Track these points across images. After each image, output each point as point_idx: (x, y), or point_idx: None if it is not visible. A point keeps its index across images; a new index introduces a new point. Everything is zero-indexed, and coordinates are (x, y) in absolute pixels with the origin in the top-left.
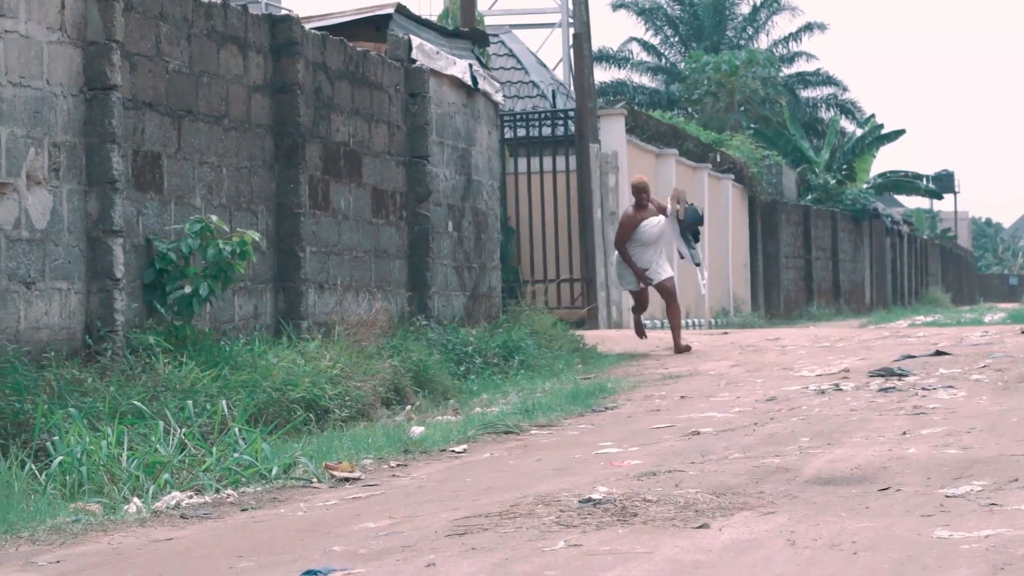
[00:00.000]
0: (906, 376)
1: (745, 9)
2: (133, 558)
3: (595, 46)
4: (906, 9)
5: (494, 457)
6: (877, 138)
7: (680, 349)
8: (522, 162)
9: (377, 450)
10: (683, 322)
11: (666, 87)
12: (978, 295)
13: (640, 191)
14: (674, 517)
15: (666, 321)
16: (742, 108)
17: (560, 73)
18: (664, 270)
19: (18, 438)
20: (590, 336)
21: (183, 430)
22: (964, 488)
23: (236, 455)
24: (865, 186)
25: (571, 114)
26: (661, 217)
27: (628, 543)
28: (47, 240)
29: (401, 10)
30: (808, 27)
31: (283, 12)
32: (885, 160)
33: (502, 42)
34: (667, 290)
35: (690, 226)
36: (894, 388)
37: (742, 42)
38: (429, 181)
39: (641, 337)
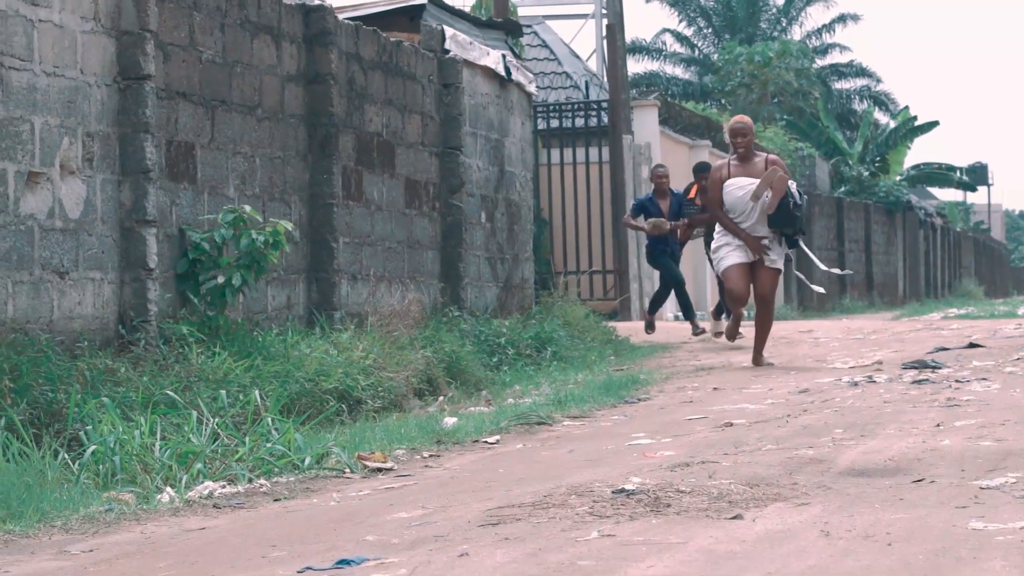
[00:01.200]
0: (939, 368)
1: (779, 0)
2: (166, 547)
3: (628, 37)
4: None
5: (527, 448)
6: (911, 130)
7: (760, 362)
8: (555, 153)
9: (410, 441)
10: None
11: (699, 78)
12: (1011, 288)
13: (737, 134)
14: (707, 508)
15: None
16: (775, 100)
17: (593, 64)
18: (776, 253)
19: (51, 427)
20: (622, 328)
21: (216, 420)
22: (999, 480)
23: (269, 445)
24: (898, 178)
25: (604, 105)
26: (747, 182)
27: (661, 533)
28: (81, 230)
29: (434, 1)
30: (841, 18)
31: (316, 2)
32: (919, 152)
33: (535, 33)
34: (766, 288)
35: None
36: (927, 380)
37: (775, 33)
38: (462, 172)
39: (731, 339)
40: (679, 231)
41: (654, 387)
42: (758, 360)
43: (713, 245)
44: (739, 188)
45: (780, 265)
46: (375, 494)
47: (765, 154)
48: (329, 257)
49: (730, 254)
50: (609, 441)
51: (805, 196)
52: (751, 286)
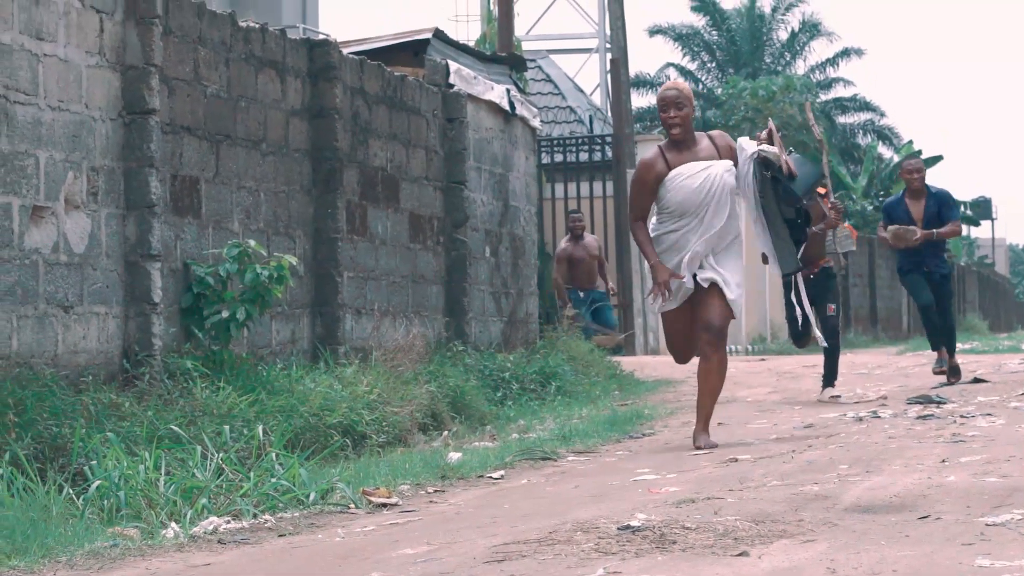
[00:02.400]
0: (944, 403)
1: (783, 35)
2: None
3: (632, 71)
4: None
5: (531, 483)
6: None
7: (701, 443)
8: (559, 187)
9: (414, 476)
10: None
11: (703, 113)
12: (1016, 322)
13: (671, 106)
14: (713, 545)
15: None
16: (779, 134)
17: (597, 98)
18: (715, 273)
19: (56, 462)
20: (627, 362)
21: (220, 455)
22: (1004, 517)
23: (273, 480)
24: None
25: (608, 139)
26: (723, 165)
27: (667, 571)
28: (85, 264)
29: (439, 35)
30: (845, 53)
31: (321, 36)
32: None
33: (539, 67)
34: (710, 321)
35: (797, 198)
36: (932, 415)
37: (779, 68)
38: (466, 206)
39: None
40: None
41: (658, 422)
42: (699, 438)
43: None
44: (690, 177)
45: (732, 292)
46: (380, 530)
47: (705, 134)
48: (333, 292)
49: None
50: (614, 476)
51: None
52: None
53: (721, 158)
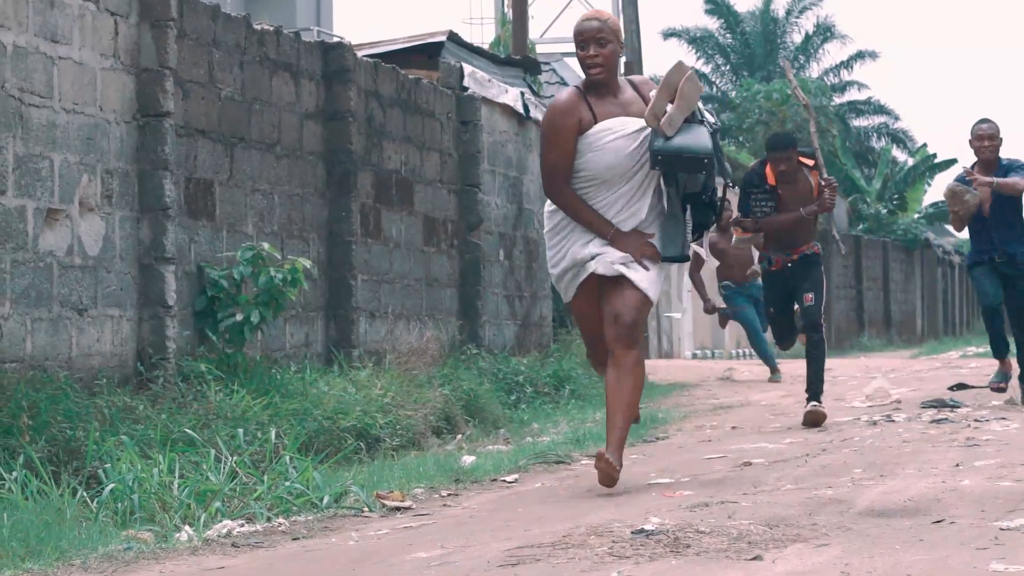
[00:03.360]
0: (958, 407)
1: (796, 38)
2: None
3: (646, 74)
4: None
5: (545, 487)
6: (929, 168)
7: (607, 471)
8: None
9: (428, 479)
10: (731, 352)
11: (717, 116)
12: None
13: (590, 39)
14: (727, 549)
15: (715, 350)
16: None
17: None
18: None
19: (70, 465)
20: None
21: (234, 458)
22: (1018, 521)
23: (287, 484)
24: (917, 216)
25: None
26: (636, 124)
27: (681, 574)
28: (99, 267)
29: (453, 38)
30: (859, 55)
31: (335, 39)
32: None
33: (553, 70)
34: (618, 313)
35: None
36: (946, 419)
37: (793, 71)
38: (480, 209)
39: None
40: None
41: (672, 426)
42: (606, 459)
43: (551, 256)
44: (623, 136)
45: (649, 288)
46: (394, 533)
47: (628, 80)
48: (347, 295)
49: (567, 281)
50: (628, 480)
51: (717, 123)
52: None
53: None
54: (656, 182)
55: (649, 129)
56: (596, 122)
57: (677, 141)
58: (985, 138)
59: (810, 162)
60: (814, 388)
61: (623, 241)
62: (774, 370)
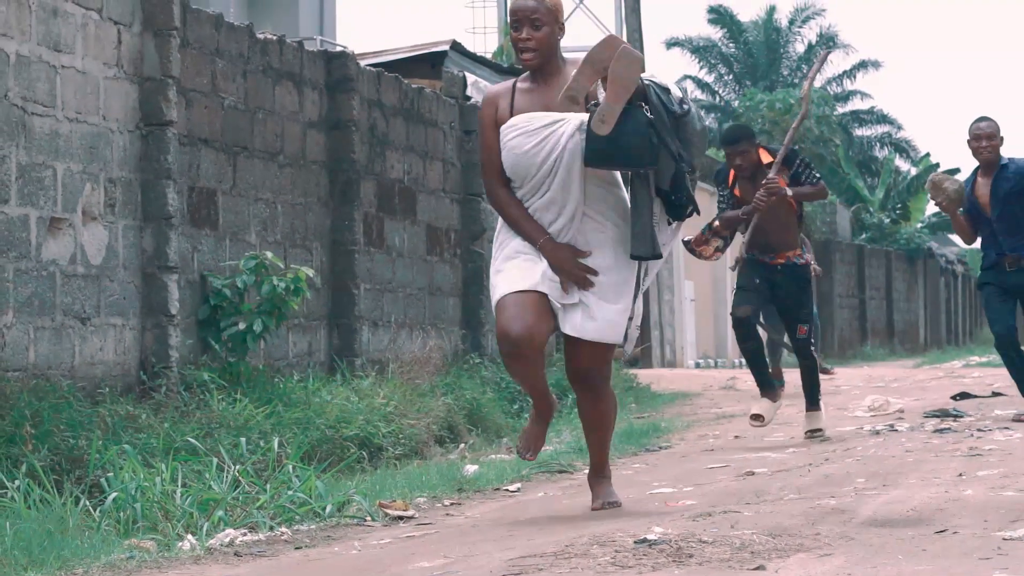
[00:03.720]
0: (961, 417)
1: (800, 47)
2: None
3: None
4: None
5: (548, 496)
6: None
7: (602, 497)
8: None
9: (431, 488)
10: (734, 361)
11: (719, 125)
12: None
13: (524, 20)
14: (730, 558)
15: (718, 359)
16: (796, 146)
17: None
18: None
19: (72, 474)
20: (643, 375)
21: (237, 467)
22: (1022, 531)
23: (290, 492)
24: (919, 225)
25: None
26: (582, 119)
27: None
28: (102, 276)
29: (456, 47)
30: (862, 65)
31: (339, 48)
32: None
33: None
34: (579, 368)
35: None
36: (949, 429)
37: (796, 80)
38: (483, 218)
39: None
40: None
41: (675, 435)
42: (598, 494)
43: (494, 257)
44: (515, 132)
45: (609, 333)
46: (396, 543)
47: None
48: (350, 304)
49: (510, 271)
50: (630, 490)
51: (690, 107)
52: (550, 333)
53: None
54: (598, 184)
55: (562, 123)
56: (511, 115)
57: (602, 137)
58: (983, 137)
59: (769, 159)
60: (814, 396)
61: (553, 254)
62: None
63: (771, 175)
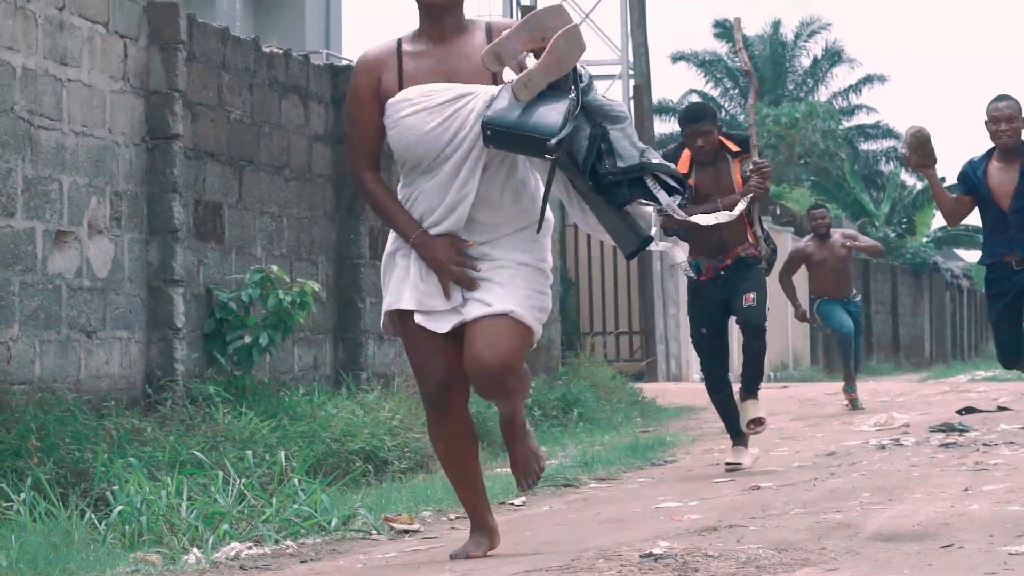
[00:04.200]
0: (967, 431)
1: (805, 62)
2: None
3: (655, 98)
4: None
5: (553, 510)
6: None
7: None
8: None
9: (436, 502)
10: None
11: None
12: None
13: None
14: (736, 573)
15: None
16: (802, 161)
17: None
18: (481, 291)
19: (78, 487)
20: (649, 389)
21: (242, 480)
22: None
23: (295, 506)
24: (925, 240)
25: None
26: (453, 91)
27: None
28: (108, 289)
29: None
30: (868, 79)
31: (345, 62)
32: None
33: None
34: (480, 359)
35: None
36: (955, 444)
37: (802, 95)
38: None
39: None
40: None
41: (681, 449)
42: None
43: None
44: (411, 108)
45: (520, 309)
46: (402, 556)
47: (484, 24)
48: (356, 317)
49: (403, 286)
50: (636, 504)
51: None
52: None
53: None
54: (506, 170)
55: (471, 98)
56: (401, 87)
57: (515, 112)
58: (1003, 120)
59: (735, 147)
60: (753, 385)
61: (428, 249)
62: (849, 378)
63: (756, 158)
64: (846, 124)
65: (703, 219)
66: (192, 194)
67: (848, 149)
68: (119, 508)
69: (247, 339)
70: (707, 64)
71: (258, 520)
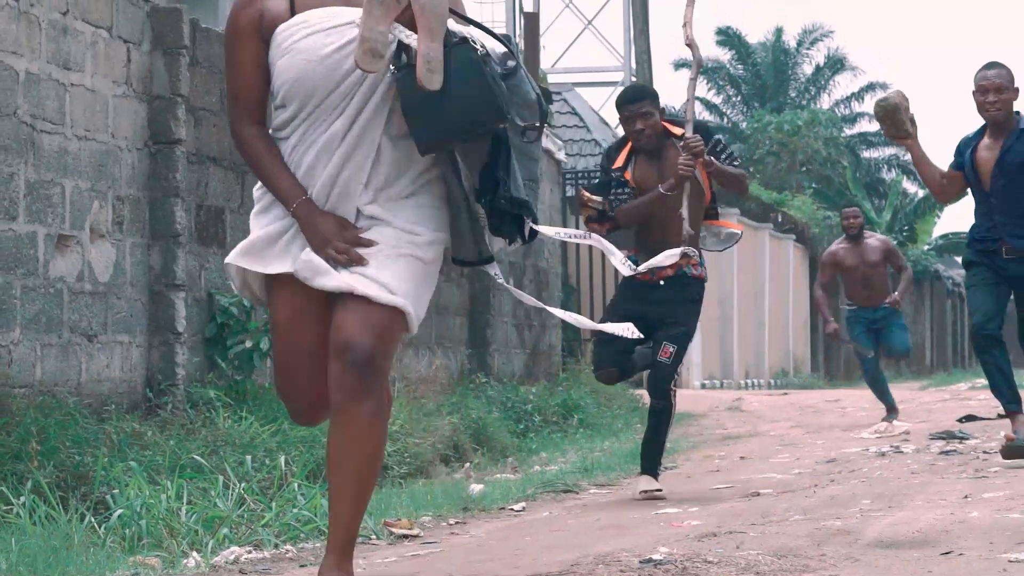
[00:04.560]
0: (967, 439)
1: (807, 69)
2: None
3: None
4: (968, 71)
5: (553, 516)
6: None
7: None
8: None
9: (436, 507)
10: (740, 382)
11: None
12: None
13: None
14: None
15: (724, 380)
16: (804, 168)
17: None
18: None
19: (78, 490)
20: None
21: (242, 485)
22: None
23: (295, 510)
24: (926, 248)
25: None
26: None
27: None
28: (110, 293)
29: None
30: (870, 87)
31: None
32: (947, 222)
33: (564, 100)
34: (349, 341)
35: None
36: (955, 451)
37: (804, 102)
38: (490, 238)
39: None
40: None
41: (680, 455)
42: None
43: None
44: (307, 30)
45: (402, 297)
46: (401, 561)
47: None
48: None
49: (264, 248)
50: (635, 510)
51: (519, 65)
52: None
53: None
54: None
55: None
56: (294, 13)
57: (432, 99)
58: (991, 90)
59: (679, 131)
60: (652, 462)
61: (311, 223)
62: (891, 409)
63: (689, 133)
64: (848, 132)
65: (657, 262)
66: (194, 199)
67: (850, 157)
68: (119, 512)
69: (248, 344)
70: (709, 71)
71: (258, 524)
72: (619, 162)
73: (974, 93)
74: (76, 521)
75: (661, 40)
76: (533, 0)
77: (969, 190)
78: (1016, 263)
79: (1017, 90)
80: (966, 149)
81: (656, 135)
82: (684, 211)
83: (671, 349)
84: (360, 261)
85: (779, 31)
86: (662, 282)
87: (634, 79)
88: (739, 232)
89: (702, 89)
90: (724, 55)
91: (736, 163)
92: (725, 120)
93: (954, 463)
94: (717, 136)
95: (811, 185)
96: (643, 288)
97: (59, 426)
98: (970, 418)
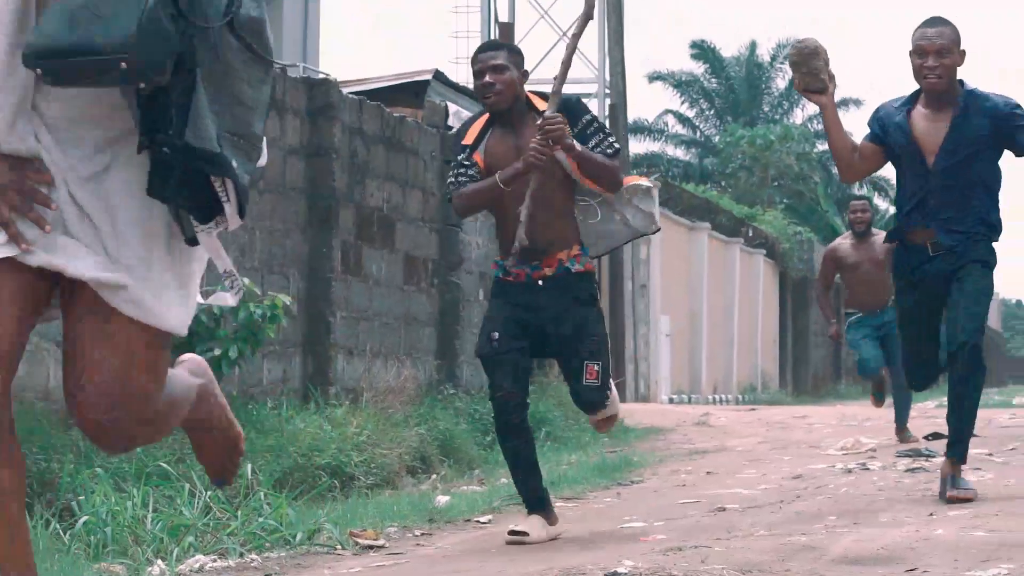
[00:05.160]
0: (933, 457)
1: (781, 84)
2: None
3: (631, 117)
4: None
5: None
6: None
7: None
8: None
9: (402, 518)
10: (708, 397)
11: (700, 160)
12: (1007, 378)
13: None
14: None
15: (692, 395)
16: (775, 183)
17: None
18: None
19: (43, 497)
20: None
21: (208, 493)
22: (992, 571)
23: (261, 519)
24: None
25: None
26: None
27: None
28: None
29: (439, 76)
30: (843, 103)
31: (321, 76)
32: None
33: None
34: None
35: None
36: (921, 468)
37: (777, 116)
38: (461, 249)
39: None
40: None
41: (647, 470)
42: None
43: None
44: None
45: (162, 315)
46: (366, 572)
47: None
48: (326, 331)
49: None
50: (602, 523)
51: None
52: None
53: None
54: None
55: None
56: None
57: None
58: (930, 53)
59: (544, 105)
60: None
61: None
62: (902, 429)
63: (549, 112)
64: (820, 147)
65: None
66: None
67: (822, 172)
68: (84, 518)
69: (217, 351)
70: (683, 84)
71: (223, 533)
72: (470, 137)
73: (911, 54)
74: (41, 527)
75: (636, 52)
76: (508, 10)
77: (897, 167)
78: (943, 261)
79: (963, 52)
80: (890, 119)
81: (509, 98)
82: (523, 212)
83: (596, 368)
84: (40, 221)
85: (753, 45)
86: (540, 282)
87: (608, 91)
88: (649, 184)
89: (675, 101)
90: (698, 68)
91: (611, 151)
92: (698, 134)
93: (920, 481)
94: (588, 115)
95: (782, 200)
96: (520, 292)
97: (26, 432)
98: (936, 436)
